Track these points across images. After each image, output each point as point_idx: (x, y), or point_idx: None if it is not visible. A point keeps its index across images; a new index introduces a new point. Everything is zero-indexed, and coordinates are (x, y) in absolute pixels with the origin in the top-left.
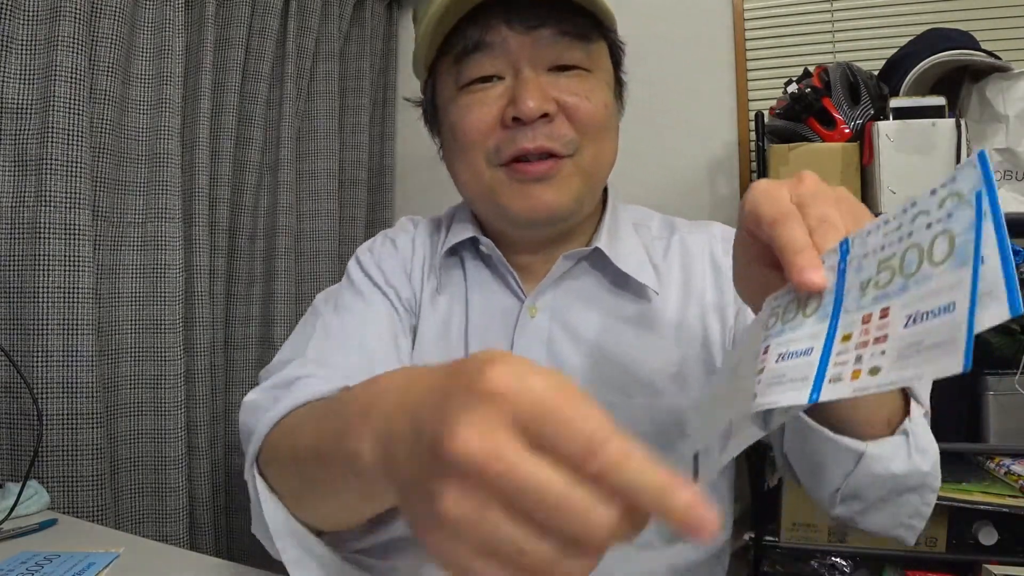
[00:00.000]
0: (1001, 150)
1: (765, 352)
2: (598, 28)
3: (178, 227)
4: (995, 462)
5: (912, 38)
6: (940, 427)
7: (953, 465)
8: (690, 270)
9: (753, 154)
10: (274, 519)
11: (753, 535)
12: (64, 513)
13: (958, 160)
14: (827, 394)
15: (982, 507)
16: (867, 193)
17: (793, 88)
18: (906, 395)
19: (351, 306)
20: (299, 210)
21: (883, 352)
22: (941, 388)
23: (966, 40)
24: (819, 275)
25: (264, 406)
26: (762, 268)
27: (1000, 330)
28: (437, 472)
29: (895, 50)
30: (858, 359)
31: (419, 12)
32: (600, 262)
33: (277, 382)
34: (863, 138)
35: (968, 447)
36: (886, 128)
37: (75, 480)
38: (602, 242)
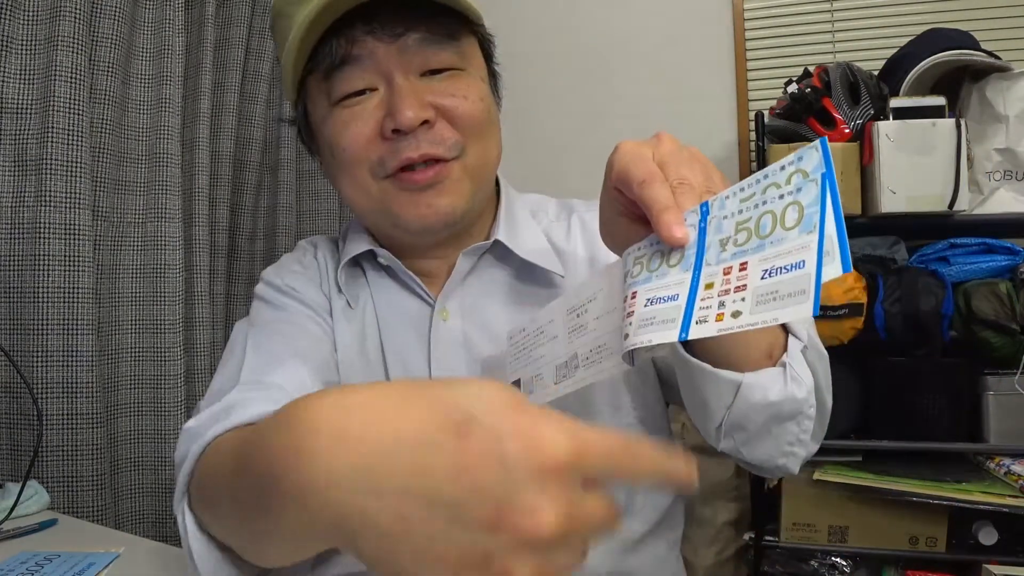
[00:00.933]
0: (1001, 150)
1: (633, 297)
2: (466, 25)
3: (178, 227)
4: (995, 462)
5: (912, 38)
6: (940, 427)
7: (953, 465)
8: (594, 246)
9: (753, 154)
10: (203, 562)
11: (753, 535)
12: (64, 513)
13: (958, 160)
14: (694, 333)
15: (982, 507)
16: (867, 193)
17: (793, 88)
18: (787, 331)
19: (273, 321)
20: (299, 210)
21: (743, 299)
22: (941, 388)
23: (966, 40)
24: (683, 231)
25: (198, 432)
26: (628, 222)
27: (1000, 330)
28: (500, 543)
29: (895, 50)
30: (721, 304)
31: (277, 31)
32: (503, 254)
33: (216, 409)
34: (863, 138)
35: (968, 447)
36: (886, 128)
37: (75, 480)
38: (501, 234)
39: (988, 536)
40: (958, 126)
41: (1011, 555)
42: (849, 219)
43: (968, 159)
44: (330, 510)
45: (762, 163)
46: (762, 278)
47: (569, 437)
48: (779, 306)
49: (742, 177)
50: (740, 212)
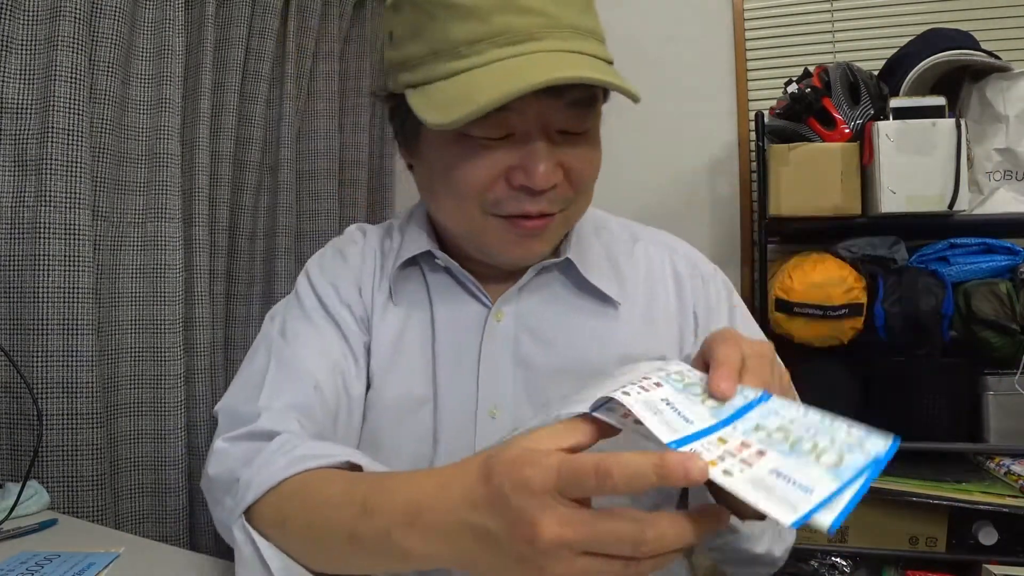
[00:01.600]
0: (1001, 150)
1: (657, 385)
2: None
3: (178, 227)
4: (995, 462)
5: (912, 38)
6: (940, 427)
7: (953, 465)
8: (652, 280)
9: (753, 154)
10: (275, 561)
11: None
12: (64, 513)
13: (958, 160)
14: (682, 451)
15: (982, 507)
16: (867, 193)
17: (793, 88)
18: None
19: (301, 334)
20: (299, 210)
21: (741, 469)
22: (941, 388)
23: (966, 40)
24: (731, 386)
25: (246, 459)
26: None
27: (1000, 330)
28: (525, 552)
29: (895, 50)
30: (721, 458)
31: (403, 29)
32: (567, 269)
33: (253, 432)
34: (863, 138)
35: (968, 447)
36: (886, 128)
37: (75, 480)
38: (572, 252)
39: (988, 536)
40: (958, 126)
41: (1011, 555)
42: (849, 219)
43: (968, 159)
44: (428, 537)
45: (762, 163)
46: (770, 471)
47: (543, 471)
48: (767, 498)
49: (742, 177)
50: (791, 422)
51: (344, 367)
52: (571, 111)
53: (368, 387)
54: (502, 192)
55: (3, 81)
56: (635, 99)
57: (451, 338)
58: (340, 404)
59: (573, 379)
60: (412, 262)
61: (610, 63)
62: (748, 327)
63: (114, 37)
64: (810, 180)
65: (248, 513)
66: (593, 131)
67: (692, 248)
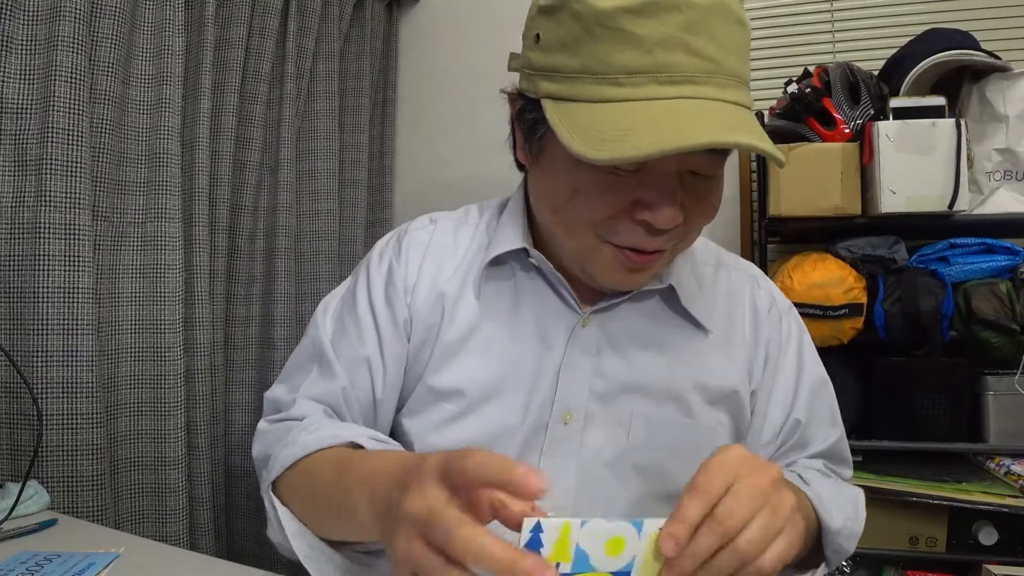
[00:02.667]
0: (1001, 150)
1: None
2: None
3: (178, 227)
4: (995, 462)
5: (912, 38)
6: (940, 427)
7: (953, 465)
8: (732, 309)
9: (753, 154)
10: (290, 527)
11: None
12: (64, 513)
13: (958, 160)
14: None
15: (982, 507)
16: (867, 193)
17: (793, 88)
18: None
19: (348, 331)
20: (299, 210)
21: None
22: (941, 388)
23: (966, 40)
24: (673, 546)
25: (280, 438)
26: None
27: (1000, 330)
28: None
29: (895, 50)
30: None
31: (556, 36)
32: (665, 291)
33: (288, 416)
34: (863, 138)
35: (968, 447)
36: (886, 128)
37: (75, 480)
38: (673, 279)
39: (988, 536)
40: (958, 126)
41: (1011, 555)
42: (849, 219)
43: (968, 159)
44: (367, 500)
45: (762, 163)
46: None
47: (438, 462)
48: None
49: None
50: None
51: (376, 373)
52: (707, 156)
53: (417, 384)
54: (622, 223)
55: (3, 81)
56: (780, 164)
57: (535, 338)
58: (368, 407)
59: (650, 395)
60: (501, 260)
61: (751, 110)
62: (815, 367)
63: (114, 37)
64: (810, 180)
65: (276, 484)
66: (721, 174)
67: (771, 281)
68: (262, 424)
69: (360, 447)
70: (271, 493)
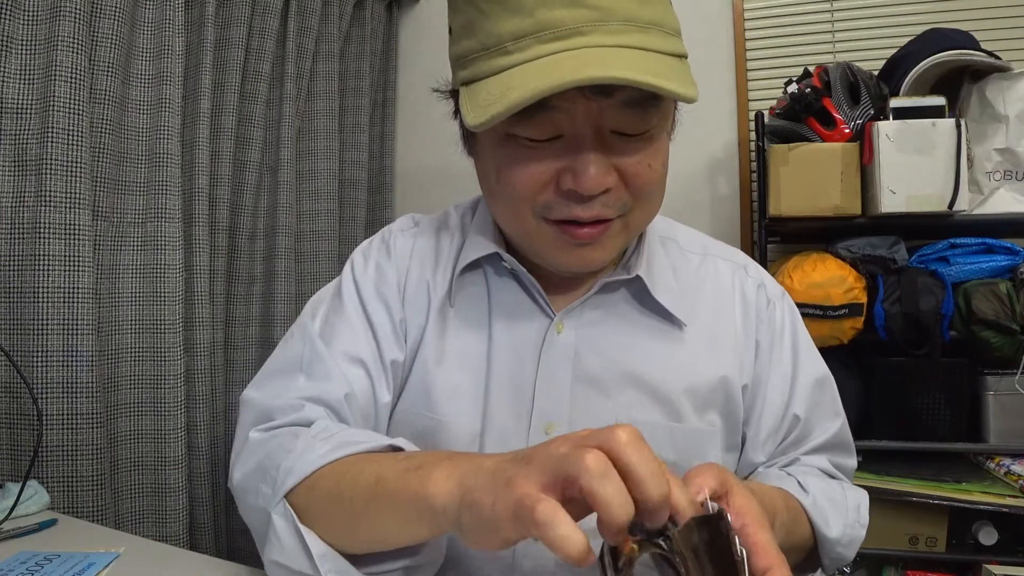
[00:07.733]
0: (1001, 150)
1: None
2: None
3: (178, 227)
4: (995, 462)
5: (912, 38)
6: (940, 427)
7: (953, 465)
8: (719, 299)
9: (753, 154)
10: (316, 547)
11: None
12: (64, 513)
13: (958, 160)
14: None
15: (982, 507)
16: (867, 193)
17: (793, 88)
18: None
19: (338, 334)
20: (299, 210)
21: None
22: (941, 388)
23: (966, 40)
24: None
25: (285, 447)
26: None
27: (1000, 330)
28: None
29: (895, 50)
30: None
31: (459, 23)
32: (633, 283)
33: (292, 422)
34: (863, 138)
35: (968, 447)
36: (886, 128)
37: (75, 480)
38: (642, 270)
39: (988, 536)
40: (958, 126)
41: (1011, 555)
42: (849, 219)
43: (968, 159)
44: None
45: (762, 163)
46: None
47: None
48: None
49: (742, 177)
50: None
51: (375, 374)
52: (626, 111)
53: (402, 390)
54: (552, 196)
55: (3, 81)
56: (686, 100)
57: (508, 348)
58: (368, 412)
59: (635, 398)
60: (475, 264)
61: (680, 56)
62: (810, 357)
63: (114, 37)
64: (810, 180)
65: (288, 498)
66: (656, 131)
67: (761, 268)
68: (254, 434)
69: (399, 449)
70: (286, 506)
